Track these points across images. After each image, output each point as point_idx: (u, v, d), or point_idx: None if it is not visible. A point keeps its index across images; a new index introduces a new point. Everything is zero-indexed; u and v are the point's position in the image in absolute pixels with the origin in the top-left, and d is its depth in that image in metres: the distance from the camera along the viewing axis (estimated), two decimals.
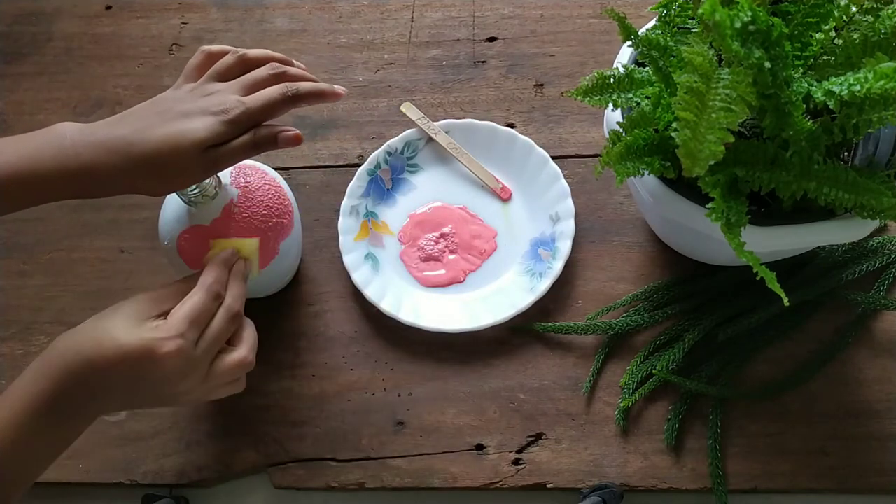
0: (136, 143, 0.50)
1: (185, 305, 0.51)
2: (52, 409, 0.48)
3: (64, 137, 0.51)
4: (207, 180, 0.56)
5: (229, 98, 0.51)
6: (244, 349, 0.54)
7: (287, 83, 0.53)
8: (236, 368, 0.54)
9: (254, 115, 0.51)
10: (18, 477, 0.48)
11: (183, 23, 0.87)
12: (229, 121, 0.50)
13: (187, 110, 0.51)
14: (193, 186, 0.55)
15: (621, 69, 0.55)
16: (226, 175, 0.62)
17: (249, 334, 0.56)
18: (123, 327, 0.49)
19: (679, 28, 0.56)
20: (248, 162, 0.65)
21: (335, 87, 0.55)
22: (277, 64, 0.54)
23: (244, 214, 0.60)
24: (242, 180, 0.62)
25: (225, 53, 0.55)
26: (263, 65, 0.54)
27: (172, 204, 0.61)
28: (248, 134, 0.52)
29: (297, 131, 0.53)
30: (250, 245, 0.60)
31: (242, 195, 0.61)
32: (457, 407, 0.67)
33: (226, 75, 0.54)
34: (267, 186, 0.63)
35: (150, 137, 0.50)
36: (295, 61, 0.56)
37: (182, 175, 0.51)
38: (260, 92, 0.52)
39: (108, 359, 0.48)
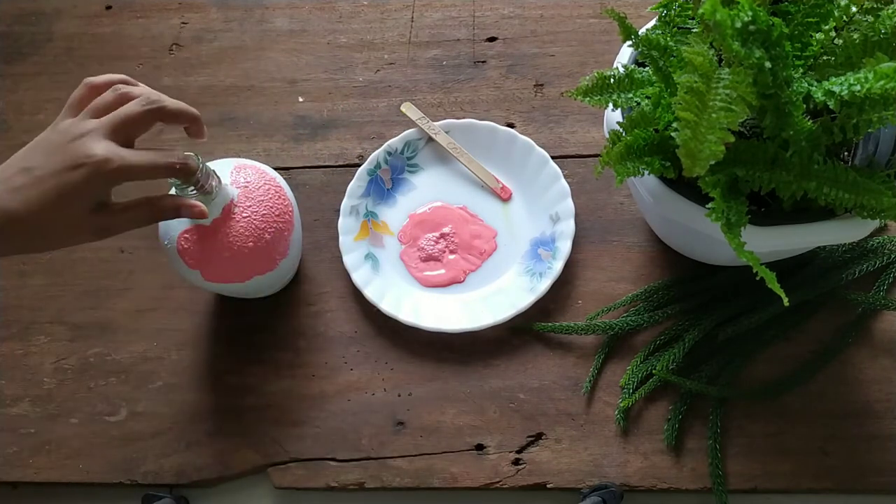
0: (19, 216, 0.48)
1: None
2: None
3: None
4: (207, 179, 0.56)
5: (90, 144, 0.49)
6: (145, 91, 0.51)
7: (148, 99, 0.51)
8: (139, 104, 0.50)
9: (117, 128, 0.50)
10: None
11: (183, 23, 0.87)
12: (107, 172, 0.49)
13: (60, 168, 0.48)
14: (191, 187, 0.55)
15: (621, 69, 0.55)
16: (225, 175, 0.62)
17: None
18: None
19: (679, 28, 0.56)
20: (247, 161, 0.65)
21: (200, 122, 0.54)
22: (119, 85, 0.52)
23: (244, 214, 0.60)
24: (242, 180, 0.62)
25: (109, 85, 0.53)
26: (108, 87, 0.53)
27: None
28: (145, 206, 0.52)
29: (198, 205, 0.54)
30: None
31: (242, 195, 0.61)
32: (457, 407, 0.67)
33: (102, 113, 0.51)
34: (267, 186, 0.63)
35: (32, 206, 0.48)
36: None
37: (70, 240, 0.51)
38: (118, 110, 0.51)
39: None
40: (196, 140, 0.55)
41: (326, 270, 0.73)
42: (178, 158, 0.51)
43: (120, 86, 0.52)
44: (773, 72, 0.44)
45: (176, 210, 0.53)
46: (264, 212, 0.61)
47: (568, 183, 0.71)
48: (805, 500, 0.62)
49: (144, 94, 0.52)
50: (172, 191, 0.56)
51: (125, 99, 0.51)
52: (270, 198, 0.62)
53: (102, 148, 0.49)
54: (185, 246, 0.60)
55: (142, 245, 0.75)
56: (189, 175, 0.53)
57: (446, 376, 0.68)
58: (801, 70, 0.50)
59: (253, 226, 0.60)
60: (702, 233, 0.54)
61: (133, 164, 0.49)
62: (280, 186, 0.64)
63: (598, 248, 0.71)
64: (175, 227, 0.61)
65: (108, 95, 0.51)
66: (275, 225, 0.62)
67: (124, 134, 0.50)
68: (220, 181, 0.59)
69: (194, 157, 0.53)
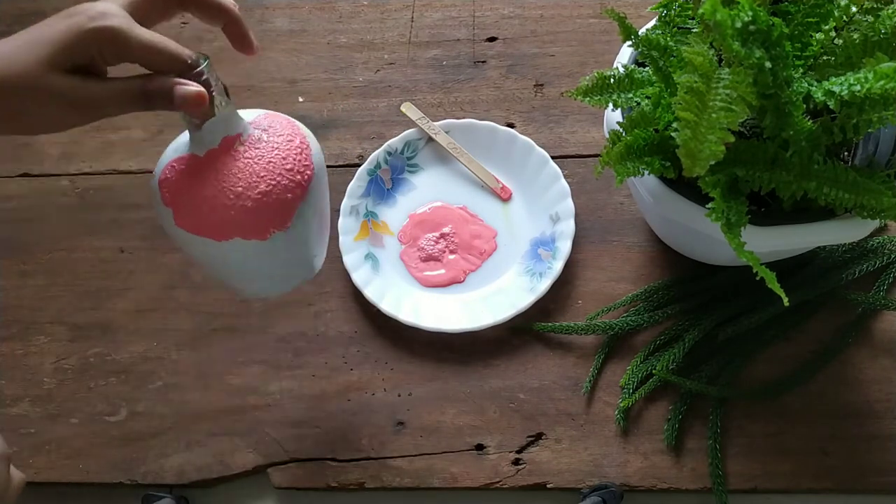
0: None
1: None
2: None
3: None
4: (210, 87, 0.45)
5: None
6: None
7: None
8: None
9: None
10: None
11: (183, 23, 0.87)
12: (92, 29, 0.40)
13: (41, 25, 0.41)
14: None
15: (621, 69, 0.55)
16: (250, 116, 0.51)
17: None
18: None
19: (679, 28, 0.56)
20: (283, 115, 0.53)
21: (238, 17, 0.48)
22: None
23: (247, 154, 0.48)
24: (266, 124, 0.51)
25: None
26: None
27: (179, 138, 0.50)
28: (137, 79, 0.43)
29: (201, 89, 0.43)
30: None
31: (256, 136, 0.49)
32: (457, 407, 0.67)
33: None
34: (291, 137, 0.50)
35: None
36: None
37: (35, 110, 0.41)
38: None
39: None
40: (246, 54, 0.48)
41: (326, 270, 0.73)
42: (189, 54, 0.44)
43: None
44: (773, 72, 0.44)
45: (168, 93, 0.43)
46: (271, 159, 0.48)
47: (568, 183, 0.71)
48: (805, 500, 0.62)
49: None
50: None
51: None
52: (288, 150, 0.49)
53: (108, 6, 0.41)
54: (168, 175, 0.48)
55: (142, 245, 0.75)
56: (189, 69, 0.44)
57: (446, 376, 0.68)
58: (801, 70, 0.50)
59: (250, 170, 0.48)
60: (702, 233, 0.54)
61: (134, 36, 0.41)
62: (307, 145, 0.51)
63: (598, 248, 0.71)
64: (168, 157, 0.49)
65: None
66: (279, 179, 0.48)
67: (143, 11, 0.43)
68: (229, 100, 0.48)
69: (202, 56, 0.45)
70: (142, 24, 0.43)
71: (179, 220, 0.48)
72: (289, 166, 0.49)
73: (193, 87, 0.43)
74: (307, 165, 0.50)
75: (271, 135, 0.50)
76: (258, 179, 0.48)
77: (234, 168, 0.47)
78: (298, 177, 0.49)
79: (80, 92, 0.41)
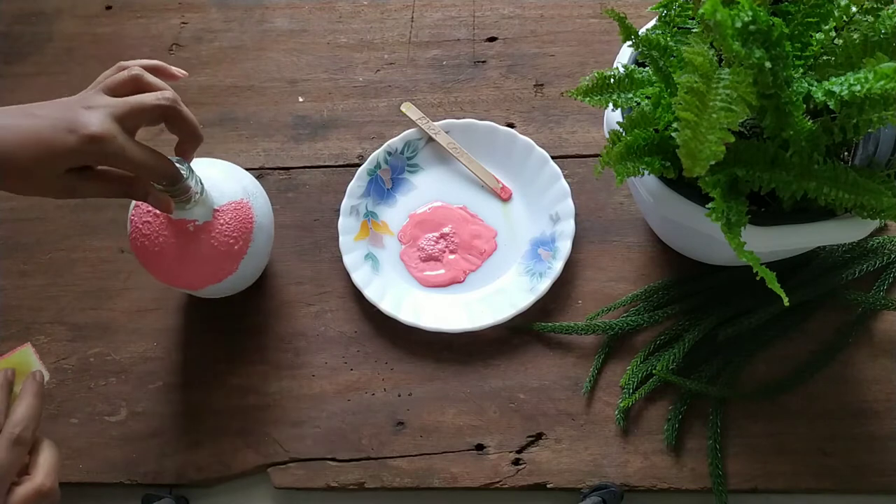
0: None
1: None
2: None
3: None
4: (192, 185, 0.56)
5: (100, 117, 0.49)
6: (39, 476, 0.48)
7: (163, 95, 0.52)
8: (32, 500, 0.47)
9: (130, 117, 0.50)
10: None
11: (183, 23, 0.87)
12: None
13: (63, 115, 0.49)
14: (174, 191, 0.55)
15: (621, 69, 0.55)
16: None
17: (46, 457, 0.50)
18: None
19: (679, 28, 0.56)
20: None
21: (201, 139, 0.55)
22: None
23: (208, 229, 0.61)
24: (225, 209, 0.62)
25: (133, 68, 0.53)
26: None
27: None
28: (122, 184, 0.52)
29: (168, 202, 0.54)
30: (24, 355, 0.54)
31: (214, 220, 0.61)
32: (457, 407, 0.67)
33: (116, 91, 0.52)
34: (243, 220, 0.63)
35: (13, 135, 0.48)
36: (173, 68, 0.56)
37: (38, 188, 0.50)
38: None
39: None
40: (181, 157, 0.55)
41: (326, 270, 0.73)
42: (174, 171, 0.52)
43: (136, 70, 0.52)
44: (773, 72, 0.44)
45: (145, 196, 0.53)
46: (222, 232, 0.61)
47: (568, 183, 0.71)
48: (805, 500, 0.62)
49: (161, 89, 0.52)
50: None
51: (138, 83, 0.52)
52: (235, 223, 0.62)
53: (104, 127, 0.48)
54: (135, 235, 0.62)
55: None
56: (174, 182, 0.54)
57: (446, 376, 0.68)
58: (801, 70, 0.50)
59: (210, 242, 0.61)
60: (702, 233, 0.54)
61: (126, 155, 0.49)
62: (249, 209, 0.63)
63: (598, 248, 0.71)
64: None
65: (123, 76, 0.52)
66: (229, 244, 0.62)
67: (132, 121, 0.51)
68: (201, 192, 0.58)
69: (184, 167, 0.55)
70: (131, 131, 0.51)
71: (156, 276, 0.63)
72: (235, 234, 0.62)
73: (163, 200, 0.54)
74: (249, 229, 0.63)
75: (223, 218, 0.62)
76: (214, 248, 0.61)
77: (197, 241, 0.61)
78: (242, 243, 0.63)
79: (76, 184, 0.50)
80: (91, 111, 0.49)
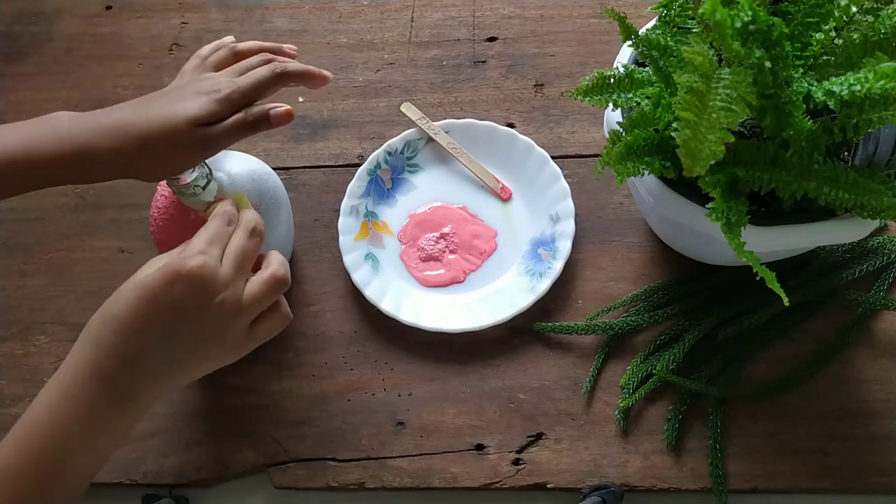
0: (130, 122, 0.51)
1: (200, 234, 0.49)
2: (89, 396, 0.45)
3: (61, 122, 0.51)
4: (196, 173, 0.56)
5: (221, 80, 0.52)
6: (273, 265, 0.51)
7: (275, 62, 0.54)
8: (269, 286, 0.50)
9: (245, 92, 0.52)
10: (81, 469, 0.46)
11: (183, 23, 0.87)
12: (221, 98, 0.51)
13: (181, 94, 0.52)
14: (187, 178, 0.55)
15: (621, 69, 0.55)
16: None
17: (276, 255, 0.53)
18: (143, 271, 0.47)
19: (679, 28, 0.56)
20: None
21: (322, 70, 0.56)
22: (267, 53, 0.56)
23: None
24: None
25: (217, 50, 0.56)
26: (254, 54, 0.56)
27: None
28: (240, 113, 0.52)
29: (289, 107, 0.54)
30: (240, 198, 0.57)
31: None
32: (457, 407, 0.67)
33: (219, 67, 0.55)
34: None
35: (144, 116, 0.51)
36: (286, 46, 0.58)
37: (176, 153, 0.51)
38: (250, 72, 0.53)
39: (132, 304, 0.45)
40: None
41: (326, 270, 0.73)
42: (275, 67, 0.54)
43: (266, 53, 0.55)
44: (773, 72, 0.44)
45: (265, 115, 0.53)
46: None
47: (568, 183, 0.71)
48: (805, 500, 0.62)
49: (268, 61, 0.55)
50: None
51: (241, 57, 0.55)
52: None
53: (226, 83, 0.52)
54: (160, 203, 0.63)
55: (142, 245, 0.75)
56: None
57: (446, 376, 0.68)
58: (801, 70, 0.50)
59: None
60: (702, 233, 0.54)
61: (245, 85, 0.52)
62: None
63: (598, 248, 0.71)
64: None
65: (224, 52, 0.56)
66: None
67: (258, 96, 0.53)
68: (211, 175, 0.58)
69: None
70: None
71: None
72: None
73: (283, 107, 0.53)
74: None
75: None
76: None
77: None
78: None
79: (208, 133, 0.51)
80: (210, 80, 0.52)
